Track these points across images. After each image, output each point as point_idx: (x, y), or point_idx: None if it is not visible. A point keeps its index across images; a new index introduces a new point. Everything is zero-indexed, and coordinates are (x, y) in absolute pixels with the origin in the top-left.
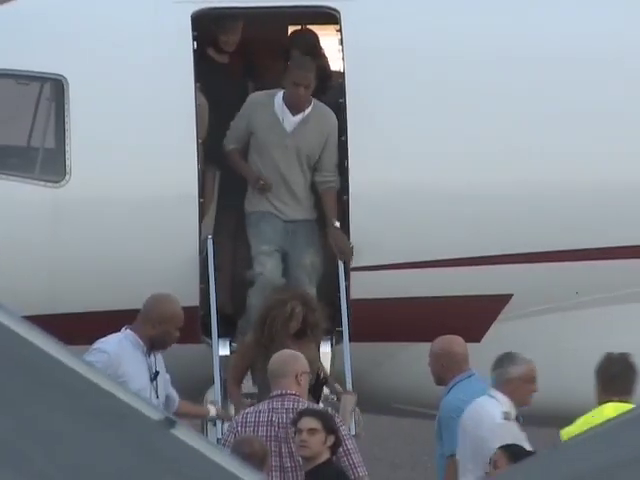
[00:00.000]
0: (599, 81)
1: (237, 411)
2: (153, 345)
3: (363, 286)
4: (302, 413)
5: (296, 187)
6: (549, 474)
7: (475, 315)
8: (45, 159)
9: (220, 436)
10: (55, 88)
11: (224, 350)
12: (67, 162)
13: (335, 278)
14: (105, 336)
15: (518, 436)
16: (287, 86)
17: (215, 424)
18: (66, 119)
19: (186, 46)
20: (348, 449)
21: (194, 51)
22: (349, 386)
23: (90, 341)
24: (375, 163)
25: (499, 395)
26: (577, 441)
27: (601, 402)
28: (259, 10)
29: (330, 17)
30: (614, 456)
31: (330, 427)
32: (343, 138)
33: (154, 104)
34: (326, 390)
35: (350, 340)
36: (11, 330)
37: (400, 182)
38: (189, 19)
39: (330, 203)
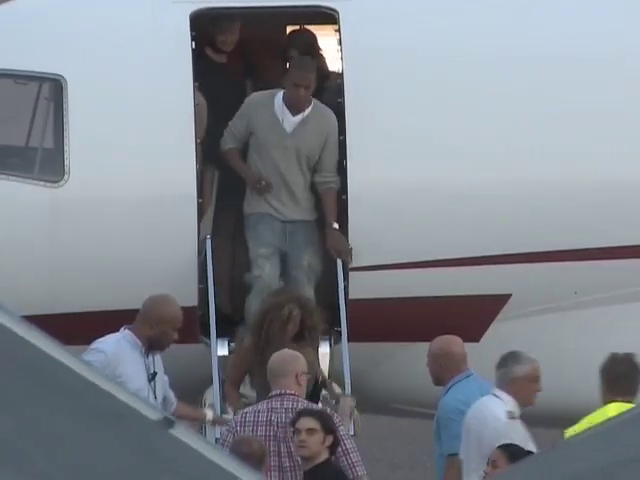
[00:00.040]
0: (599, 81)
1: (235, 415)
2: (151, 346)
3: (362, 286)
4: (301, 413)
5: (295, 188)
6: (548, 474)
7: (474, 315)
8: (44, 159)
9: (218, 436)
10: (54, 88)
11: (222, 350)
12: (66, 162)
13: (334, 278)
14: (104, 336)
15: (523, 435)
16: (287, 87)
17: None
18: (65, 119)
19: (185, 46)
20: (347, 448)
21: (193, 51)
22: (348, 387)
23: (89, 341)
24: (374, 163)
25: (503, 395)
26: (576, 441)
27: (606, 402)
28: (258, 10)
29: (329, 17)
30: (613, 456)
31: (329, 427)
32: (342, 138)
33: (153, 104)
34: (324, 392)
35: (349, 340)
36: (11, 331)
37: (399, 182)
38: (188, 19)
39: (329, 204)
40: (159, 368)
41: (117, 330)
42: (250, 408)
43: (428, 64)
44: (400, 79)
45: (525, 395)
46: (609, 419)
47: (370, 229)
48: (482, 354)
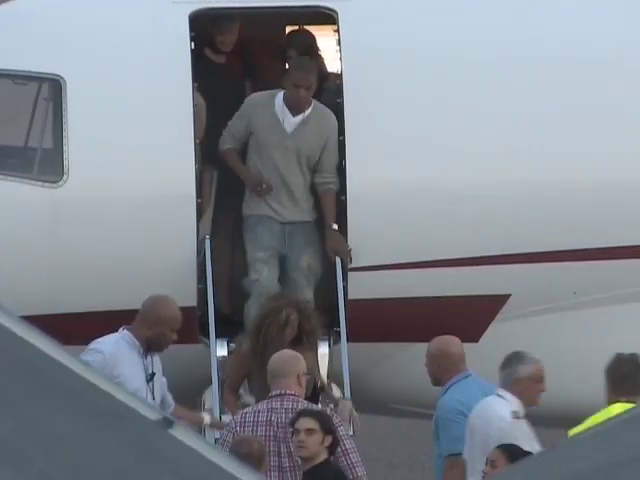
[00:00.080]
0: (599, 81)
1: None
2: (149, 346)
3: (361, 286)
4: (300, 413)
5: (295, 189)
6: (548, 474)
7: (473, 315)
8: (43, 159)
9: (218, 436)
10: (53, 88)
11: (222, 350)
12: (65, 162)
13: (333, 278)
14: (103, 336)
15: (529, 435)
16: (288, 87)
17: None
18: (64, 119)
19: (184, 46)
20: (346, 449)
21: (192, 51)
22: (347, 388)
23: (89, 341)
24: (373, 163)
25: (507, 395)
26: (576, 440)
27: (610, 402)
28: (257, 10)
29: (328, 17)
30: (614, 455)
31: (328, 427)
32: (341, 138)
33: (152, 104)
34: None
35: (348, 340)
36: (10, 331)
37: (398, 182)
38: (187, 19)
39: (329, 205)
40: (157, 369)
41: (116, 330)
42: (250, 408)
43: (427, 64)
44: (399, 79)
45: (529, 395)
46: (609, 419)
47: (369, 229)
48: (481, 354)
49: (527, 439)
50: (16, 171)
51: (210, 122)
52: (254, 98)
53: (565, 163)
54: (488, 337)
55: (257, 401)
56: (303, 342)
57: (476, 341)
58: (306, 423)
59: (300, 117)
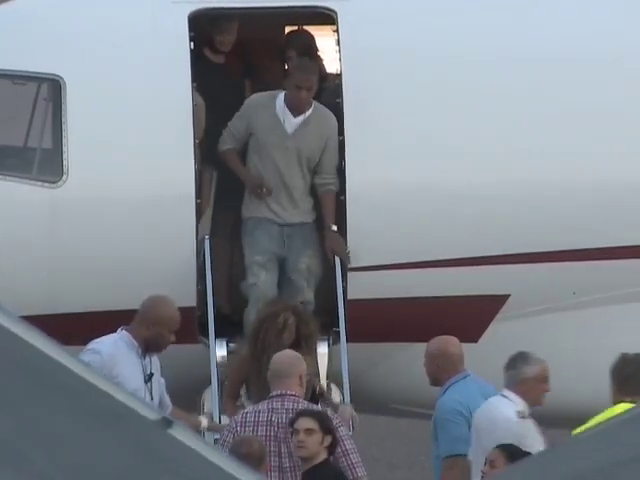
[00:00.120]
0: (599, 81)
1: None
2: (148, 347)
3: (360, 286)
4: (299, 414)
5: (295, 190)
6: (548, 474)
7: (473, 315)
8: (42, 159)
9: (217, 436)
10: (52, 88)
11: (221, 350)
12: (64, 162)
13: (332, 279)
14: (103, 336)
15: (536, 434)
16: (289, 88)
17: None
18: (63, 119)
19: (183, 46)
20: (347, 449)
21: (191, 51)
22: (347, 389)
23: (88, 341)
24: (373, 163)
25: (512, 395)
26: (576, 440)
27: (616, 402)
28: (256, 10)
29: (327, 17)
30: (614, 455)
31: (327, 427)
32: (340, 138)
33: (151, 104)
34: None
35: (347, 340)
36: (10, 331)
37: (398, 182)
38: (186, 19)
39: (328, 206)
40: (156, 370)
41: (116, 330)
42: (251, 408)
43: (427, 64)
44: (399, 79)
45: (534, 395)
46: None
47: (369, 229)
48: (480, 354)
49: (535, 438)
50: (16, 171)
51: (209, 122)
52: (255, 99)
53: (565, 163)
54: (487, 337)
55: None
56: (301, 346)
57: (475, 341)
58: (305, 423)
59: (301, 118)
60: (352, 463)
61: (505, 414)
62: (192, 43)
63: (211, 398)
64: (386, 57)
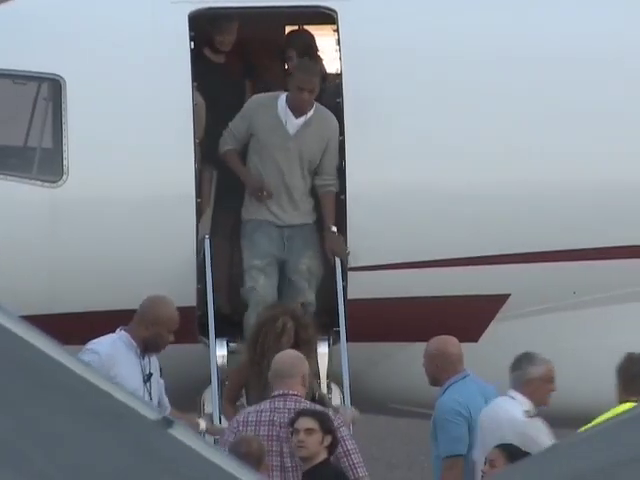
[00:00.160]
0: (599, 81)
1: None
2: (146, 347)
3: (360, 286)
4: (299, 413)
5: (296, 191)
6: (548, 473)
7: (473, 315)
8: (42, 159)
9: (217, 436)
10: (52, 88)
11: (221, 350)
12: (64, 162)
13: (332, 279)
14: (102, 336)
15: (545, 433)
16: (291, 90)
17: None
18: (63, 119)
19: (183, 46)
20: (348, 449)
21: (191, 51)
22: (347, 393)
23: (88, 341)
24: (373, 163)
25: (518, 396)
26: (576, 440)
27: (621, 401)
28: (256, 10)
29: (327, 17)
30: (614, 455)
31: (327, 427)
32: (340, 138)
33: (151, 104)
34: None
35: (347, 340)
36: (10, 331)
37: (398, 182)
38: (186, 19)
39: (328, 207)
40: (155, 370)
41: (116, 330)
42: (253, 408)
43: (427, 64)
44: (399, 79)
45: (540, 396)
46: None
47: (369, 229)
48: (480, 354)
49: (545, 437)
50: (16, 171)
51: (210, 122)
52: (256, 99)
53: (565, 163)
54: (487, 337)
55: None
56: (300, 350)
57: (475, 341)
58: (305, 423)
59: (302, 119)
60: (354, 463)
61: (511, 414)
62: (192, 43)
63: (211, 398)
64: (386, 57)
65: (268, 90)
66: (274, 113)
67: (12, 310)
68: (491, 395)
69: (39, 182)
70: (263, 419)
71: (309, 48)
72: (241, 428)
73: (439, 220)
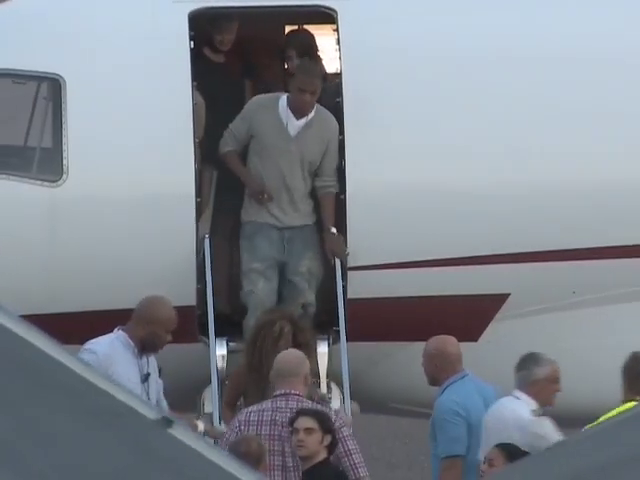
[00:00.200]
0: (599, 81)
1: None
2: (144, 347)
3: (360, 285)
4: (299, 413)
5: (296, 193)
6: (548, 473)
7: (472, 314)
8: (42, 159)
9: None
10: (52, 87)
11: (221, 350)
12: (64, 162)
13: (332, 278)
14: (102, 335)
15: (554, 431)
16: (293, 92)
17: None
18: (63, 119)
19: (183, 45)
20: (349, 449)
21: (191, 50)
22: (347, 390)
23: (88, 340)
24: (372, 162)
25: (523, 396)
26: (576, 440)
27: (626, 400)
28: (256, 10)
29: (327, 17)
30: (613, 455)
31: (327, 427)
32: (340, 138)
33: (151, 103)
34: (323, 389)
35: (347, 340)
36: (9, 330)
37: (397, 181)
38: (186, 18)
39: (328, 208)
40: (153, 370)
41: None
42: (255, 407)
43: (427, 64)
44: (399, 79)
45: (545, 396)
46: (608, 418)
47: (368, 228)
48: (480, 354)
49: (555, 435)
50: (15, 170)
51: (209, 121)
52: (257, 100)
53: (565, 163)
54: (487, 336)
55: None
56: None
57: (475, 340)
58: (305, 422)
59: (303, 121)
60: (355, 463)
61: (518, 414)
62: (192, 42)
63: (211, 397)
64: (386, 57)
65: (268, 90)
66: (275, 114)
67: (12, 310)
68: (490, 395)
69: (39, 182)
70: (265, 418)
71: (309, 48)
72: (243, 427)
73: (439, 220)
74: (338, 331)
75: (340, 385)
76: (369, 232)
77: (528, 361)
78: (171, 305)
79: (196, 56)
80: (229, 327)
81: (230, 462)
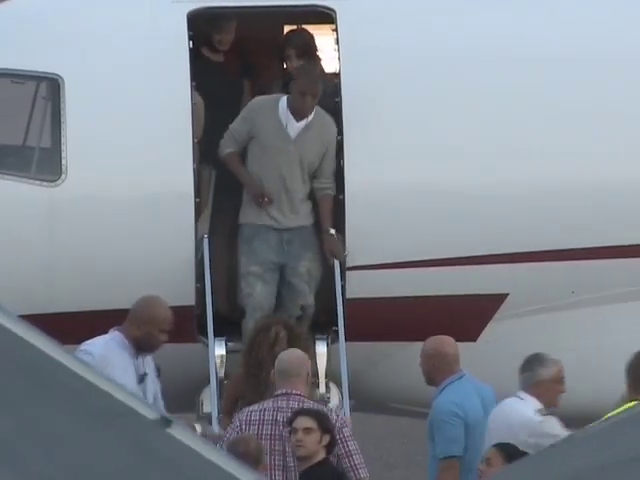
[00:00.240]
0: (599, 81)
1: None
2: (139, 347)
3: (359, 285)
4: (298, 412)
5: (295, 195)
6: (548, 473)
7: (471, 314)
8: (41, 158)
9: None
10: (51, 87)
11: (220, 349)
12: (63, 161)
13: (331, 278)
14: (101, 335)
15: (562, 430)
16: (294, 94)
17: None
18: (62, 118)
19: (182, 45)
20: (349, 450)
21: (190, 50)
22: (345, 390)
23: (86, 340)
24: (371, 162)
25: (527, 397)
26: (576, 440)
27: (630, 400)
28: (255, 9)
29: (326, 16)
30: (613, 455)
31: (325, 426)
32: (339, 138)
33: (150, 103)
34: (322, 389)
35: (346, 340)
36: (9, 330)
37: (396, 181)
38: (185, 18)
39: (326, 209)
40: (150, 369)
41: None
42: (256, 406)
43: (426, 64)
44: (398, 79)
45: (550, 397)
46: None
47: (367, 228)
48: (479, 353)
49: (565, 434)
50: (14, 170)
51: (208, 121)
52: (258, 102)
53: (564, 163)
54: (486, 336)
55: None
56: None
57: (474, 340)
58: (304, 422)
59: (303, 122)
60: (355, 464)
61: (522, 415)
62: (191, 42)
63: (209, 397)
64: (385, 56)
65: (266, 89)
66: (275, 116)
67: (11, 310)
68: (487, 395)
69: (37, 181)
70: (266, 418)
71: (308, 48)
72: (244, 427)
73: (438, 220)
74: (337, 331)
75: (339, 385)
76: (368, 232)
77: (533, 362)
78: (167, 305)
79: (195, 56)
80: (228, 327)
81: (229, 462)
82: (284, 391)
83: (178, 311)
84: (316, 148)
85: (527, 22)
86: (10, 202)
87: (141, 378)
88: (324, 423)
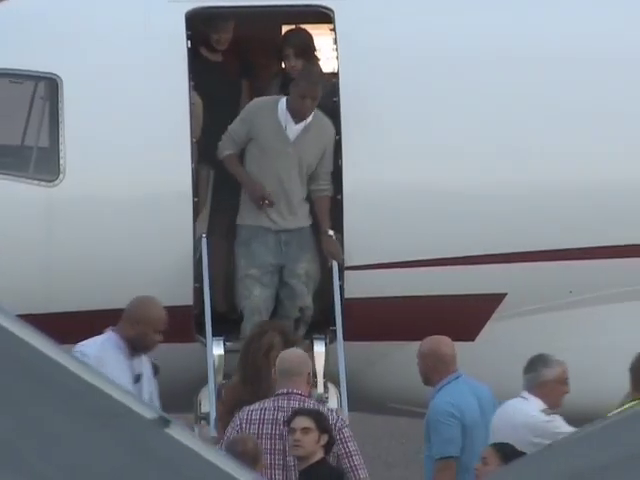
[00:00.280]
0: (599, 81)
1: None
2: (134, 347)
3: (357, 285)
4: (296, 412)
5: (294, 196)
6: (546, 472)
7: (469, 314)
8: (39, 158)
9: (215, 435)
10: (49, 87)
11: (218, 349)
12: (61, 161)
13: (329, 278)
14: (100, 335)
15: (568, 429)
16: (294, 97)
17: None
18: (60, 118)
19: (180, 45)
20: (349, 451)
21: (188, 50)
22: (344, 389)
23: (83, 340)
24: (369, 162)
25: (532, 397)
26: (574, 439)
27: (634, 400)
28: (253, 9)
29: (324, 16)
30: (611, 454)
31: (324, 426)
32: (337, 137)
33: (148, 103)
34: (320, 388)
35: (344, 339)
36: (7, 330)
37: (394, 181)
38: (183, 18)
39: (323, 211)
40: (146, 370)
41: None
42: (256, 405)
43: (425, 63)
44: (396, 78)
45: (554, 397)
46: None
47: (365, 228)
48: (477, 353)
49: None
50: (12, 170)
51: (207, 121)
52: (257, 103)
53: (564, 163)
54: (484, 336)
55: None
56: None
57: (472, 340)
58: (302, 422)
59: (302, 124)
60: (355, 465)
61: (527, 415)
62: (189, 42)
63: (207, 397)
64: (383, 56)
65: (265, 89)
66: (274, 118)
67: (9, 309)
68: (484, 395)
69: (36, 181)
70: (267, 417)
71: (306, 47)
72: (244, 426)
73: (436, 219)
74: (335, 331)
75: (337, 385)
76: (366, 232)
77: (537, 363)
78: (161, 305)
79: (193, 56)
80: (226, 327)
81: (227, 462)
82: (285, 390)
83: (176, 311)
84: (315, 150)
85: (527, 22)
86: (8, 202)
87: (137, 378)
88: (322, 423)
